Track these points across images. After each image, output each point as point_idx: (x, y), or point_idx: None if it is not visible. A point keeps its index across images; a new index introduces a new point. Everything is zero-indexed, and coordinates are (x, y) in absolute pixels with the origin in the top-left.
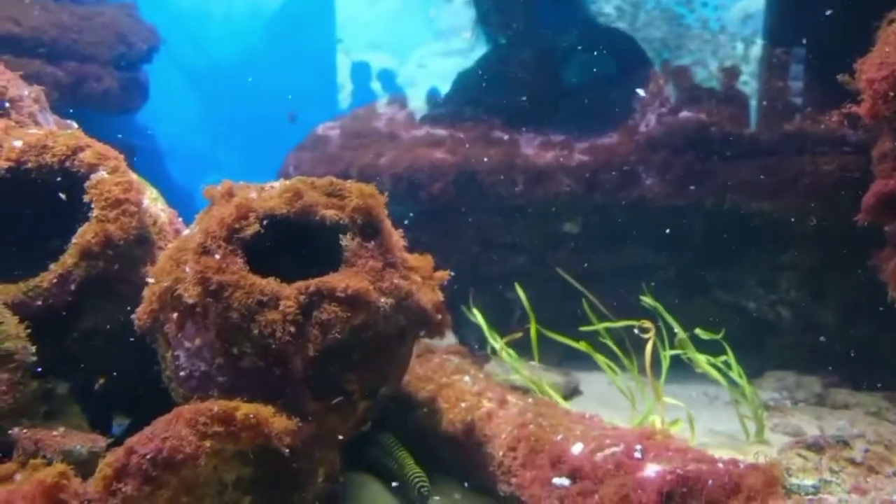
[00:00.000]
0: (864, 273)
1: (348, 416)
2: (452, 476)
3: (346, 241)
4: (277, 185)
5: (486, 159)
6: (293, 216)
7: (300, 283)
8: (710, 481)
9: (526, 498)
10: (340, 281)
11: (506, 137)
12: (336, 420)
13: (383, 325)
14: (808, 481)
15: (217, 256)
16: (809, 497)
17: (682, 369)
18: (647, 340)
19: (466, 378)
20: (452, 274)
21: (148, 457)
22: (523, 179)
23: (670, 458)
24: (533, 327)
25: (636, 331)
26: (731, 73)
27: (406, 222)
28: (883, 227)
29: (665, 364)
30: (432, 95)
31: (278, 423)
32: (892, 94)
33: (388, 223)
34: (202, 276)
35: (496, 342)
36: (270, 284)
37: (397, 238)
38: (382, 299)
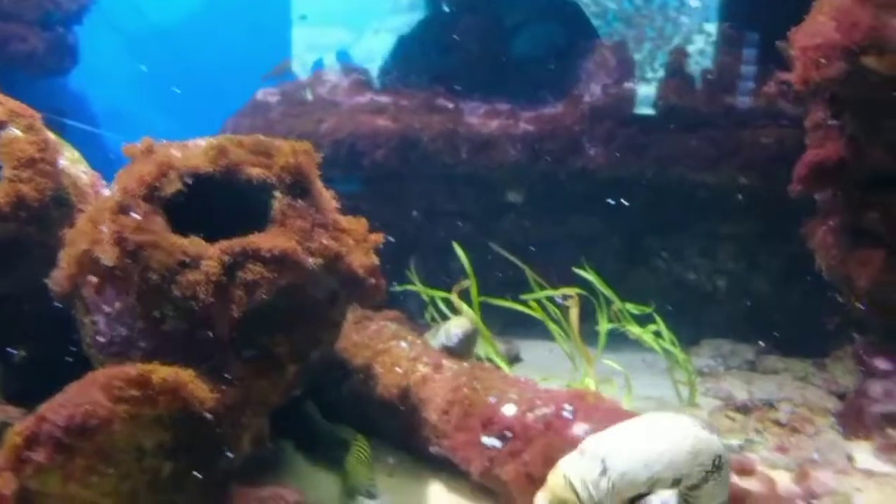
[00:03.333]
0: (797, 243)
1: (278, 380)
2: (388, 441)
3: (274, 200)
4: (202, 142)
5: (429, 127)
6: (218, 175)
7: (224, 243)
8: None
9: (458, 459)
10: (266, 240)
11: (450, 105)
12: (265, 385)
13: (313, 287)
14: (734, 441)
15: (135, 216)
16: (735, 455)
17: (622, 337)
18: (591, 308)
19: (403, 344)
20: (391, 239)
21: (60, 424)
22: (467, 148)
23: (599, 419)
24: (474, 291)
25: (560, 300)
26: (680, 49)
27: (348, 189)
28: (814, 197)
29: (602, 332)
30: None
31: (198, 386)
32: (822, 60)
33: (318, 183)
34: (119, 236)
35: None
36: (192, 244)
37: (329, 198)
38: (311, 260)
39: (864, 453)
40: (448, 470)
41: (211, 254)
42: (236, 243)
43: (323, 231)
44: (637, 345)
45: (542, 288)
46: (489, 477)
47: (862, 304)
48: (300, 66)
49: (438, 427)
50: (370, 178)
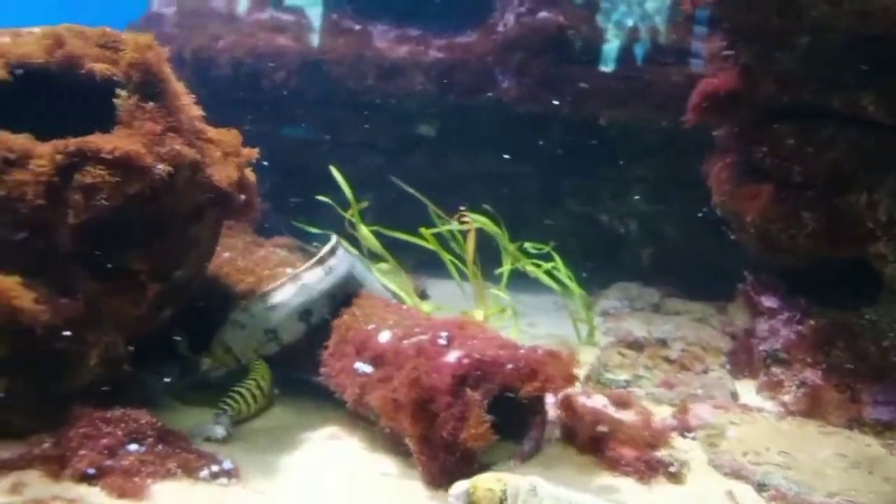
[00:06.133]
0: (705, 186)
1: (137, 299)
2: (274, 369)
3: (120, 98)
4: (38, 30)
5: (333, 49)
6: (55, 67)
7: (58, 142)
8: (508, 366)
9: (334, 386)
10: (108, 142)
11: (357, 27)
12: (122, 302)
13: (171, 199)
14: (622, 376)
15: None
16: (620, 390)
17: (538, 282)
18: (497, 251)
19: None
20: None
21: None
22: (374, 73)
23: (474, 345)
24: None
25: (456, 223)
26: None
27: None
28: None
29: (505, 270)
30: None
31: (24, 294)
32: None
33: (175, 84)
34: None
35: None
36: (20, 141)
37: (189, 103)
38: (160, 166)
39: (748, 390)
40: (332, 399)
41: (41, 152)
42: (73, 143)
43: (176, 136)
44: (553, 288)
45: (444, 224)
46: (362, 404)
47: (751, 238)
48: None
49: (317, 355)
50: (270, 101)
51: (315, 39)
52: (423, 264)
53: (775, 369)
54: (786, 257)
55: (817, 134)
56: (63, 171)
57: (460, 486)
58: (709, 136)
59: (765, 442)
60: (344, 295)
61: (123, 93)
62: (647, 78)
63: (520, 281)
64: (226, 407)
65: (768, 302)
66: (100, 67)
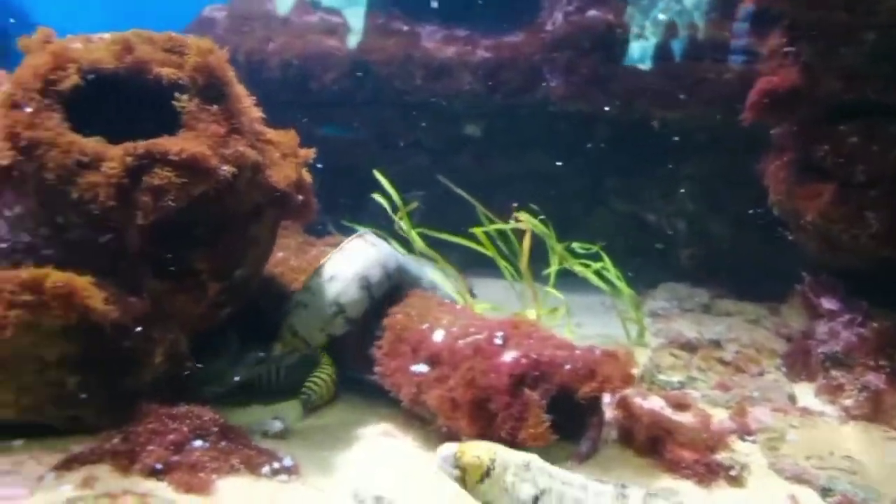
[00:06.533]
0: (759, 185)
1: (199, 297)
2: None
3: (185, 101)
4: (108, 36)
5: (382, 49)
6: (124, 72)
7: (127, 145)
8: (565, 366)
9: (389, 386)
10: (175, 144)
11: (405, 28)
12: (185, 301)
13: (233, 200)
14: (676, 378)
15: (28, 110)
16: (676, 391)
17: (584, 282)
18: (543, 250)
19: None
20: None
21: None
22: (422, 74)
23: (530, 345)
24: (406, 223)
25: (512, 221)
26: None
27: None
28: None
29: (553, 269)
30: None
31: (95, 294)
32: None
33: (237, 87)
34: (11, 131)
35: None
36: (91, 144)
37: (249, 105)
38: (225, 167)
39: (806, 393)
40: (384, 397)
41: (112, 155)
42: (141, 145)
43: (239, 138)
44: (598, 288)
45: (492, 224)
46: (417, 403)
47: (810, 238)
48: None
49: (371, 353)
50: (320, 103)
51: (363, 41)
52: (467, 263)
53: (835, 372)
54: (847, 258)
55: (883, 132)
56: (132, 173)
57: (449, 449)
58: (759, 133)
59: (827, 446)
60: (397, 277)
61: (184, 97)
62: (697, 75)
63: (566, 280)
64: (309, 392)
65: (828, 303)
66: (166, 71)
